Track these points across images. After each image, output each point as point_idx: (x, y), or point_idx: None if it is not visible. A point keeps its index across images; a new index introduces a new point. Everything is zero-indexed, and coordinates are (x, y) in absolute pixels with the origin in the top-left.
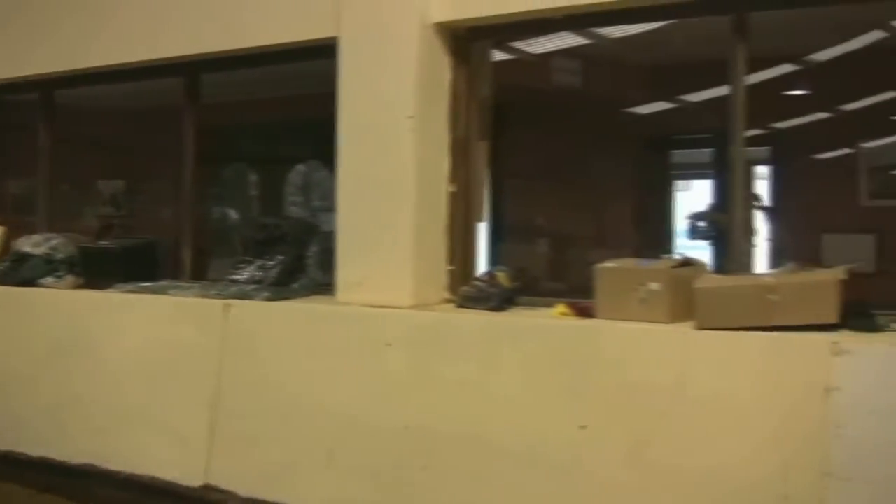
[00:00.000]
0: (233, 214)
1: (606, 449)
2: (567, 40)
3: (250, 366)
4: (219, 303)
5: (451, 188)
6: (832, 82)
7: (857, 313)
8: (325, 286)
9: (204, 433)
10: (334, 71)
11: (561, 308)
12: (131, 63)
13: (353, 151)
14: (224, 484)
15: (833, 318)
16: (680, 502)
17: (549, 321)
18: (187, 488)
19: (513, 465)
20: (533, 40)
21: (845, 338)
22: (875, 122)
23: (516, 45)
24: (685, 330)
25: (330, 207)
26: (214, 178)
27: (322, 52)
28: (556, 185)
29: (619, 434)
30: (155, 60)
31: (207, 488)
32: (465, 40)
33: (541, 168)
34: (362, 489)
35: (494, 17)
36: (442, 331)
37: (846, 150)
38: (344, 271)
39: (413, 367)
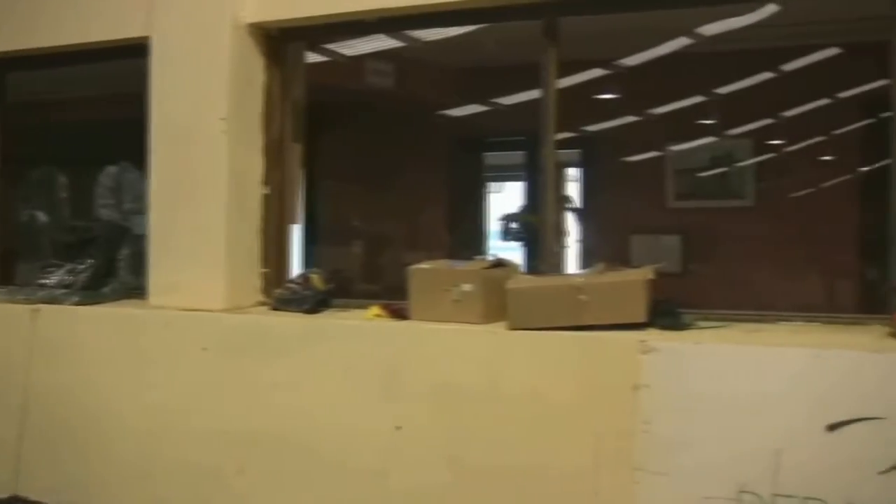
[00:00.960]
0: (41, 217)
1: (422, 450)
2: (381, 42)
3: (60, 372)
4: (26, 308)
5: (265, 190)
6: (641, 87)
7: (665, 312)
8: (136, 290)
9: (12, 443)
10: (146, 71)
11: (375, 310)
12: None
13: (165, 153)
14: (34, 495)
15: (641, 317)
16: (495, 502)
17: (363, 323)
18: None
19: (330, 468)
20: (347, 42)
21: (653, 336)
22: (681, 125)
23: (331, 46)
24: (497, 330)
25: (142, 210)
26: (22, 179)
27: (134, 52)
28: (371, 186)
29: (434, 435)
30: None
31: (16, 500)
32: (278, 41)
33: (355, 170)
34: (177, 496)
35: (307, 18)
36: (256, 333)
37: (654, 153)
38: (156, 275)
39: (228, 371)
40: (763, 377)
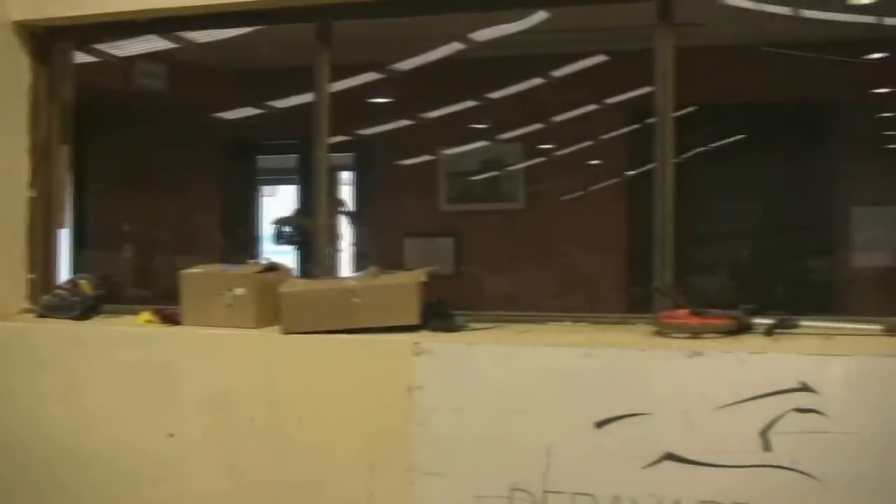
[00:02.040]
0: None
1: (197, 457)
2: (154, 44)
3: None
4: None
5: (31, 193)
6: (415, 91)
7: (437, 314)
8: None
9: None
10: None
11: (146, 315)
12: None
13: None
14: None
15: (415, 319)
16: None
17: (134, 328)
18: None
19: (105, 476)
20: (119, 43)
21: (426, 338)
22: (454, 129)
23: (102, 47)
24: (271, 334)
25: None
26: None
27: None
28: (143, 190)
29: (208, 442)
30: None
31: None
32: (45, 41)
33: (126, 173)
34: None
35: (73, 17)
36: (23, 342)
37: (427, 157)
38: None
39: None
40: (533, 377)
